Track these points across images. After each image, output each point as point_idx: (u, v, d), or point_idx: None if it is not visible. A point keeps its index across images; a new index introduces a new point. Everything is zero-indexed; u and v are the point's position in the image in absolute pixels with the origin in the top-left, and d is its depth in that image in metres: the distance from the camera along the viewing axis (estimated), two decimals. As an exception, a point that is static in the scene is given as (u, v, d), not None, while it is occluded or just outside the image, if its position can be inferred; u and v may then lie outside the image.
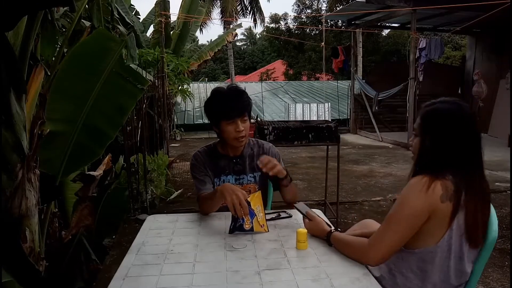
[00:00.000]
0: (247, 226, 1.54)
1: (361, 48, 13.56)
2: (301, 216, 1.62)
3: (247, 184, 1.95)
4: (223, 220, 1.68)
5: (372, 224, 1.71)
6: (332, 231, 1.43)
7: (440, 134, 1.29)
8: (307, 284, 1.16)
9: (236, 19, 19.07)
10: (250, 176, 1.95)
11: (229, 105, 1.80)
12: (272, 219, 1.71)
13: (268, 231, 1.58)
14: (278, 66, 24.39)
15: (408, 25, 9.45)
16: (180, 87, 10.18)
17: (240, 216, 1.52)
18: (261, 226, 1.57)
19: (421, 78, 9.26)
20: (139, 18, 8.74)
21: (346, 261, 1.31)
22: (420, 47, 9.19)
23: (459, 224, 1.26)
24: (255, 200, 1.57)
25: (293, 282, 1.17)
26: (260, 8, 21.33)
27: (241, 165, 1.94)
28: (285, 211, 1.79)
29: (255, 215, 1.55)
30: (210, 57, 12.45)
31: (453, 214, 1.24)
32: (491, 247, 1.34)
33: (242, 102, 1.83)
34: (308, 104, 11.88)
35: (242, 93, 1.86)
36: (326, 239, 1.43)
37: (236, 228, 1.55)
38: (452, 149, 1.28)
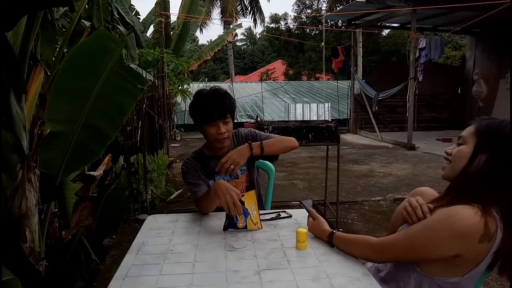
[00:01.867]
0: (240, 225, 1.57)
1: (361, 48, 13.58)
2: (301, 216, 1.61)
3: (242, 175, 1.99)
4: (223, 220, 1.68)
5: (427, 192, 1.49)
6: (334, 231, 1.42)
7: (504, 159, 1.16)
8: (306, 284, 1.16)
9: (236, 19, 19.10)
10: (241, 166, 1.97)
11: (210, 107, 1.81)
12: (272, 219, 1.72)
13: (262, 228, 1.59)
14: (278, 66, 24.41)
15: (408, 25, 9.46)
16: (180, 87, 10.19)
17: (234, 215, 1.54)
18: (255, 224, 1.58)
19: (421, 78, 9.27)
20: (139, 18, 8.73)
21: (345, 261, 1.31)
22: (420, 47, 9.20)
23: (488, 259, 1.18)
24: (249, 199, 1.58)
25: (292, 282, 1.17)
26: (260, 8, 21.39)
27: None
28: (285, 211, 1.79)
29: (249, 214, 1.57)
30: (210, 57, 12.46)
31: (488, 253, 1.15)
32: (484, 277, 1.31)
33: (223, 104, 1.83)
34: (308, 104, 11.89)
35: (223, 95, 1.85)
36: (327, 240, 1.42)
37: (230, 225, 1.57)
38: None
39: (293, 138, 1.95)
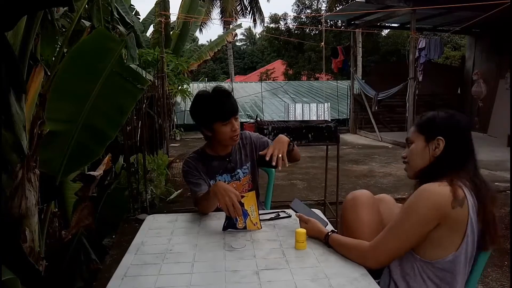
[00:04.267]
0: (240, 225, 1.57)
1: (360, 48, 13.58)
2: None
3: (244, 177, 1.99)
4: (222, 220, 1.69)
5: (386, 199, 1.65)
6: (329, 233, 1.43)
7: (453, 140, 1.32)
8: (305, 284, 1.16)
9: (236, 19, 19.08)
10: (244, 169, 1.99)
11: (223, 106, 1.82)
12: (271, 219, 1.72)
13: (261, 228, 1.59)
14: (278, 66, 24.39)
15: (408, 25, 9.45)
16: (180, 87, 10.20)
17: (234, 217, 1.54)
18: (254, 225, 1.59)
19: (420, 78, 9.26)
20: (139, 18, 8.73)
21: (344, 261, 1.32)
22: (419, 47, 9.20)
23: (473, 229, 1.26)
24: (249, 201, 1.58)
25: (291, 282, 1.17)
26: (260, 8, 21.35)
27: (233, 162, 1.97)
28: (284, 211, 1.80)
29: (248, 215, 1.57)
30: (209, 57, 12.47)
31: (467, 220, 1.24)
32: (483, 262, 1.35)
33: (233, 102, 1.87)
34: (308, 104, 11.88)
35: (230, 94, 1.90)
36: (324, 241, 1.43)
37: (230, 226, 1.58)
38: (464, 154, 1.32)
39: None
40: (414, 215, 1.24)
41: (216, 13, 20.21)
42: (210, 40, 14.66)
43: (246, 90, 15.41)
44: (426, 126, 1.37)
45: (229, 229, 1.58)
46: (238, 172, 1.98)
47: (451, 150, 1.31)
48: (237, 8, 20.72)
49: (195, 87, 13.20)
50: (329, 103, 11.99)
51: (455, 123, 1.34)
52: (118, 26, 3.18)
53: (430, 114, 1.39)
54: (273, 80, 22.44)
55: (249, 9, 21.35)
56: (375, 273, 1.37)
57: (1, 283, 1.38)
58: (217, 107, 1.82)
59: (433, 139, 1.33)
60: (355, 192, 1.59)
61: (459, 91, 11.88)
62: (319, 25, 16.39)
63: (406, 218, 1.26)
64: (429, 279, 1.28)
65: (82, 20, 2.62)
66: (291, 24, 20.64)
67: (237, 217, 1.55)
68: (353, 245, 1.36)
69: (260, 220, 1.61)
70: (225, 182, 1.92)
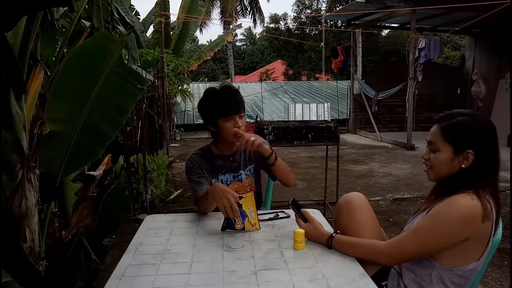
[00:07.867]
0: (238, 226, 1.58)
1: (360, 48, 13.57)
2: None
3: (246, 179, 1.99)
4: (221, 220, 1.69)
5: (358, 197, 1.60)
6: (334, 235, 1.41)
7: (483, 153, 1.27)
8: (303, 285, 1.16)
9: (236, 19, 19.09)
10: (247, 170, 2.00)
11: (226, 103, 1.85)
12: (270, 219, 1.73)
13: (260, 228, 1.59)
14: (278, 66, 24.38)
15: (408, 25, 9.46)
16: (180, 87, 10.20)
17: (232, 218, 1.55)
18: (253, 225, 1.59)
19: (420, 78, 9.27)
20: (139, 18, 8.74)
21: (343, 262, 1.32)
22: (419, 47, 9.21)
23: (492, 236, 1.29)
24: (247, 202, 1.58)
25: (289, 282, 1.18)
26: (260, 8, 21.36)
27: (236, 162, 1.98)
28: (283, 211, 1.80)
29: (247, 216, 1.57)
30: (209, 57, 12.47)
31: (492, 231, 1.26)
32: (495, 247, 1.36)
33: (237, 99, 1.89)
34: (308, 104, 11.88)
35: (236, 91, 1.93)
36: (327, 243, 1.40)
37: (228, 226, 1.58)
38: (491, 166, 1.29)
39: (293, 177, 2.03)
40: (443, 225, 1.23)
41: (216, 13, 20.24)
42: (210, 40, 14.65)
43: (246, 90, 15.37)
44: (455, 136, 1.29)
45: (227, 230, 1.59)
46: (241, 173, 1.98)
47: (480, 163, 1.27)
48: (237, 8, 20.73)
49: (195, 87, 13.20)
50: (329, 103, 12.00)
51: (484, 134, 1.29)
52: (118, 26, 3.17)
53: (459, 119, 1.30)
54: (273, 80, 22.43)
55: (249, 9, 21.36)
56: (381, 275, 1.37)
57: (1, 285, 1.39)
58: (220, 103, 1.85)
59: (463, 152, 1.28)
60: (348, 195, 1.55)
61: (459, 91, 11.88)
62: (319, 25, 16.38)
63: (433, 226, 1.24)
64: (444, 284, 1.29)
65: (82, 20, 2.62)
66: (291, 24, 20.62)
67: (235, 218, 1.55)
68: (366, 243, 1.35)
69: (258, 220, 1.61)
70: (227, 181, 1.94)
